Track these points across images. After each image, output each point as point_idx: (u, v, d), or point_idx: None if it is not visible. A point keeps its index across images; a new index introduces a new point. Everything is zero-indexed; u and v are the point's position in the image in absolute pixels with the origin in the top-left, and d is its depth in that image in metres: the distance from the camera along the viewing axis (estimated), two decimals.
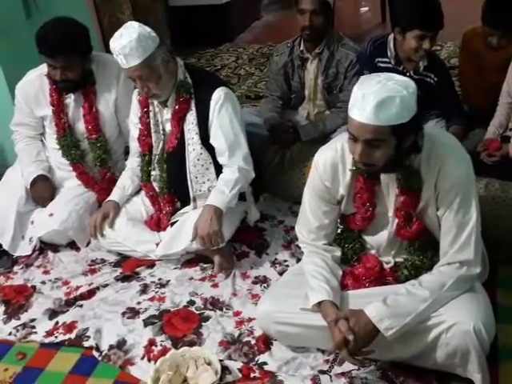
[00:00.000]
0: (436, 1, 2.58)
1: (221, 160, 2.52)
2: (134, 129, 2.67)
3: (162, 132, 2.57)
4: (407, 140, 1.74)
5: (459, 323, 1.75)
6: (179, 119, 2.49)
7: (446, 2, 2.66)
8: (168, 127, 2.56)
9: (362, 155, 1.74)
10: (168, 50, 2.41)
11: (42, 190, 2.83)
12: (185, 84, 2.46)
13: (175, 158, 2.54)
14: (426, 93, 2.70)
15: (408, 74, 2.71)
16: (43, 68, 2.71)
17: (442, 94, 2.77)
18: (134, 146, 2.70)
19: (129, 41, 2.25)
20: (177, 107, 2.47)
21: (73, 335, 2.29)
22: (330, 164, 1.95)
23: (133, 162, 2.74)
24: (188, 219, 2.51)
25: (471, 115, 2.88)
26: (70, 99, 2.77)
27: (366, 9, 6.45)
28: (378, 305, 1.80)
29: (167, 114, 2.54)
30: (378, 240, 2.05)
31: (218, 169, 2.53)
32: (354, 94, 1.70)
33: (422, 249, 1.98)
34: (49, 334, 2.31)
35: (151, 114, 2.56)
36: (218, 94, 2.45)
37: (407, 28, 2.58)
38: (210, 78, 2.70)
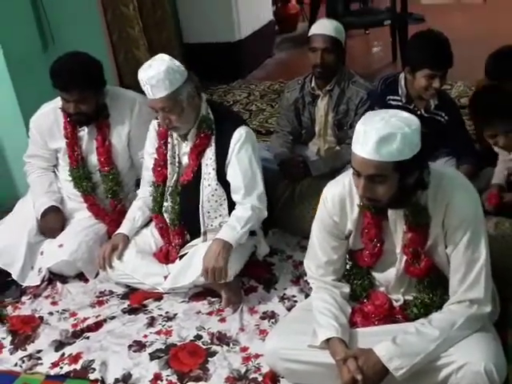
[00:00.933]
0: (445, 40, 2.62)
1: (235, 197, 2.52)
2: (148, 159, 2.68)
3: (177, 164, 2.59)
4: (411, 176, 1.74)
5: (470, 363, 1.73)
6: (198, 153, 2.51)
7: (455, 42, 2.70)
8: (185, 160, 2.58)
9: (364, 190, 1.75)
10: (196, 85, 2.43)
11: (53, 221, 2.84)
12: (207, 119, 2.50)
13: (189, 192, 2.56)
14: (436, 131, 2.72)
15: (419, 112, 2.73)
16: (58, 101, 2.76)
17: (453, 133, 2.78)
18: (147, 176, 2.71)
19: (157, 72, 2.29)
20: (197, 142, 2.50)
21: (78, 366, 2.27)
22: (338, 199, 1.96)
23: (144, 192, 2.75)
24: (197, 252, 2.51)
25: (483, 155, 2.87)
26: (84, 132, 2.81)
27: (378, 49, 6.53)
28: (387, 344, 1.78)
29: (186, 148, 2.56)
30: (386, 277, 2.03)
31: (231, 205, 2.54)
32: (357, 130, 1.72)
33: (431, 287, 1.96)
34: (54, 365, 2.30)
35: (169, 146, 2.58)
36: (239, 134, 2.48)
37: (417, 67, 2.61)
38: (232, 115, 2.73)
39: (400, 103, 2.78)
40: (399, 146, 1.65)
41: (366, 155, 1.68)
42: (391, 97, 2.83)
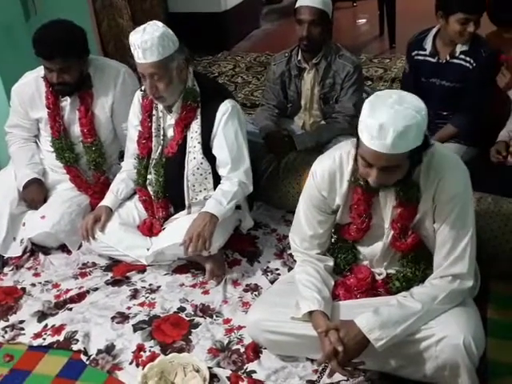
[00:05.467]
0: None
1: (221, 171, 2.52)
2: (133, 131, 2.65)
3: (162, 137, 2.57)
4: (418, 158, 1.75)
5: (449, 337, 1.76)
6: (183, 126, 2.49)
7: None
8: (170, 133, 2.56)
9: (378, 180, 1.75)
10: (186, 57, 2.40)
11: (35, 193, 2.81)
12: (193, 92, 2.47)
13: (174, 164, 2.54)
14: (460, 78, 2.73)
15: (441, 61, 2.78)
16: (40, 70, 2.71)
17: (471, 84, 2.73)
18: (132, 148, 2.68)
19: (151, 37, 2.26)
20: (183, 114, 2.47)
21: (61, 337, 2.28)
22: (328, 174, 1.95)
23: (128, 164, 2.72)
24: (181, 223, 2.50)
25: (484, 128, 2.84)
26: (66, 102, 2.77)
27: (364, 21, 6.48)
28: (368, 315, 1.80)
29: (171, 120, 2.53)
30: (371, 251, 2.04)
31: (216, 179, 2.53)
32: (369, 123, 1.65)
33: (414, 261, 1.98)
34: (37, 335, 2.30)
35: (154, 118, 2.55)
36: (226, 107, 2.46)
37: (450, 12, 2.62)
38: (218, 88, 2.69)
39: (425, 57, 2.84)
40: (414, 136, 1.64)
41: (383, 150, 1.65)
42: (417, 51, 2.88)
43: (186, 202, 2.57)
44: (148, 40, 2.26)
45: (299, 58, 2.99)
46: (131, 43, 2.31)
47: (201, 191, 2.55)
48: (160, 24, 2.33)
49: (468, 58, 2.73)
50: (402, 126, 1.61)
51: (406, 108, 1.63)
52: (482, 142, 2.81)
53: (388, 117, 1.62)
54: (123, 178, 2.72)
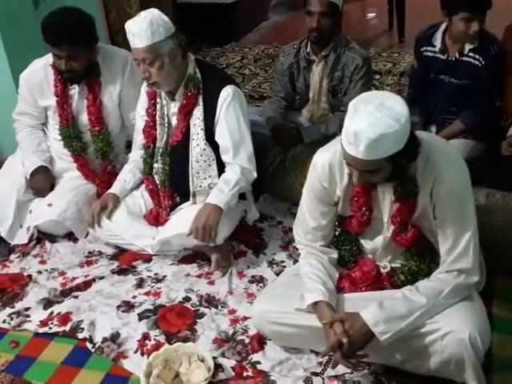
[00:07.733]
0: None
1: (224, 158, 2.51)
2: (140, 121, 2.66)
3: (167, 125, 2.57)
4: (404, 159, 1.73)
5: (455, 331, 1.75)
6: (186, 113, 2.49)
7: None
8: (174, 121, 2.56)
9: (360, 180, 1.78)
10: (181, 44, 2.40)
11: (42, 181, 2.82)
12: (194, 79, 2.47)
13: (179, 152, 2.54)
14: (470, 75, 2.72)
15: (452, 59, 2.75)
16: (49, 58, 2.70)
17: (481, 81, 2.72)
18: (139, 139, 2.69)
19: (140, 22, 2.29)
20: (184, 101, 2.48)
21: (67, 327, 2.29)
22: (328, 166, 1.95)
23: (136, 155, 2.73)
24: (186, 212, 2.51)
25: (494, 125, 2.83)
26: (75, 90, 2.77)
27: (373, 15, 6.45)
28: (373, 308, 1.80)
29: (174, 108, 2.53)
30: (373, 244, 2.04)
31: (221, 166, 2.53)
32: (347, 129, 1.66)
33: (418, 254, 1.97)
34: (43, 324, 2.31)
35: (158, 107, 2.56)
36: (227, 92, 2.45)
37: (454, 11, 2.60)
38: (220, 74, 2.71)
39: (434, 53, 2.82)
40: (391, 143, 1.64)
41: (358, 155, 1.66)
42: (426, 48, 2.86)
43: (191, 190, 2.56)
44: (137, 25, 2.29)
45: (308, 49, 2.98)
46: (126, 30, 2.34)
47: (205, 178, 2.54)
48: (156, 11, 2.36)
49: (477, 56, 2.71)
50: (376, 134, 1.60)
51: (385, 115, 1.61)
52: (490, 136, 2.81)
53: (364, 124, 1.61)
54: (130, 169, 2.73)
